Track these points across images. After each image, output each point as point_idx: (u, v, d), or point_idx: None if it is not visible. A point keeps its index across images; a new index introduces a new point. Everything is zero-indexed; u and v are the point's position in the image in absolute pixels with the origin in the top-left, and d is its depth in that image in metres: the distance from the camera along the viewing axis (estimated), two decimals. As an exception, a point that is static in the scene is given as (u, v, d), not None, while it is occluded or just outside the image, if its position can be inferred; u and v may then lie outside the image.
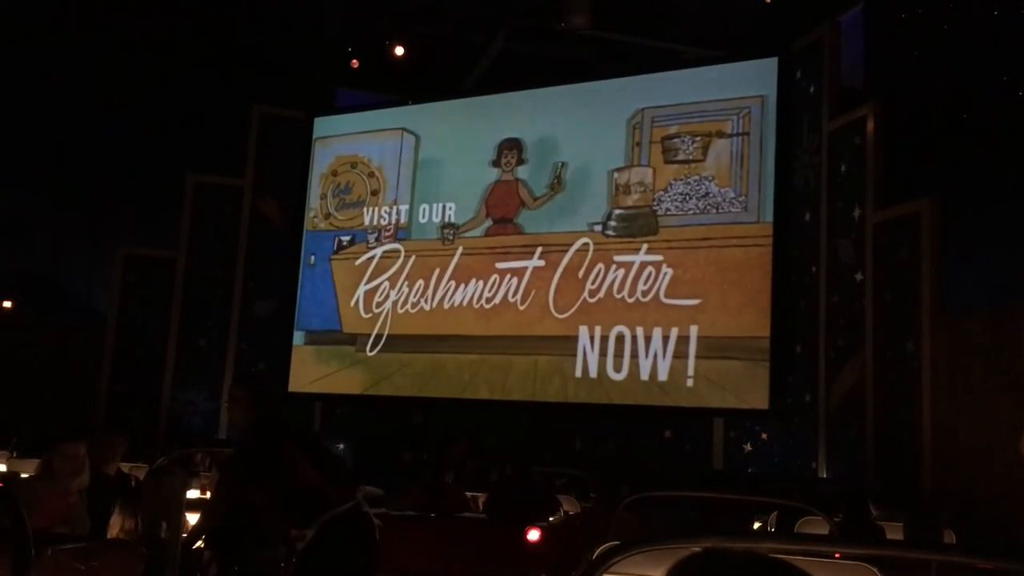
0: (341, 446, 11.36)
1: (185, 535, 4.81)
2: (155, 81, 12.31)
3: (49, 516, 4.11)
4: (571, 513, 7.14)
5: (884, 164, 9.24)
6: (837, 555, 2.76)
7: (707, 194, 10.19)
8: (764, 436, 10.08)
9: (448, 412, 11.29)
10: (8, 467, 7.00)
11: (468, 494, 7.03)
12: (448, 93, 12.39)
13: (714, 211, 10.14)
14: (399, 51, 12.41)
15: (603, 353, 10.33)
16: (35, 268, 13.72)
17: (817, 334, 9.71)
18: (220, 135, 12.88)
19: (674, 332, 10.00)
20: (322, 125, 12.94)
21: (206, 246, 12.59)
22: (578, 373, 10.43)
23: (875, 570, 2.95)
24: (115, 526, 4.32)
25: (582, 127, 11.06)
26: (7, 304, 13.88)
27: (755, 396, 9.60)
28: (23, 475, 5.42)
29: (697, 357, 9.85)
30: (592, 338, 10.43)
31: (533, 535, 5.97)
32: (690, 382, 9.84)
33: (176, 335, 12.33)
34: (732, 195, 10.09)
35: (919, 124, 9.39)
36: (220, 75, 12.27)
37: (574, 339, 10.51)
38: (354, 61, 12.71)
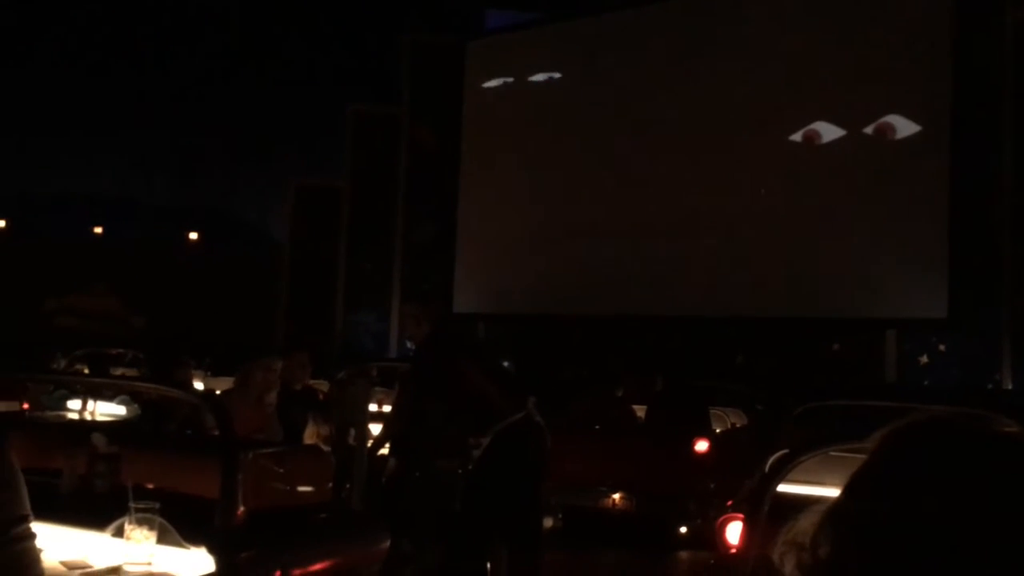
0: (505, 364, 11.62)
1: (370, 442, 5.12)
2: (308, 18, 12.66)
3: (246, 425, 4.42)
4: (738, 426, 7.09)
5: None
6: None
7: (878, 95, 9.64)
8: (942, 348, 9.61)
9: (608, 328, 11.34)
10: (204, 384, 7.55)
11: (632, 406, 7.08)
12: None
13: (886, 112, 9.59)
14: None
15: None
16: (215, 202, 14.61)
17: (1001, 242, 9.11)
18: (375, 65, 13.18)
19: (841, 235, 9.63)
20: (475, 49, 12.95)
21: (368, 174, 12.99)
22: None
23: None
24: (310, 435, 4.63)
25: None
26: (193, 236, 14.85)
27: (932, 306, 9.16)
28: (218, 391, 5.83)
29: (869, 263, 9.45)
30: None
31: (701, 446, 5.97)
32: (859, 292, 9.48)
33: (345, 260, 12.88)
34: (905, 96, 9.50)
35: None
36: (368, 6, 12.48)
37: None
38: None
